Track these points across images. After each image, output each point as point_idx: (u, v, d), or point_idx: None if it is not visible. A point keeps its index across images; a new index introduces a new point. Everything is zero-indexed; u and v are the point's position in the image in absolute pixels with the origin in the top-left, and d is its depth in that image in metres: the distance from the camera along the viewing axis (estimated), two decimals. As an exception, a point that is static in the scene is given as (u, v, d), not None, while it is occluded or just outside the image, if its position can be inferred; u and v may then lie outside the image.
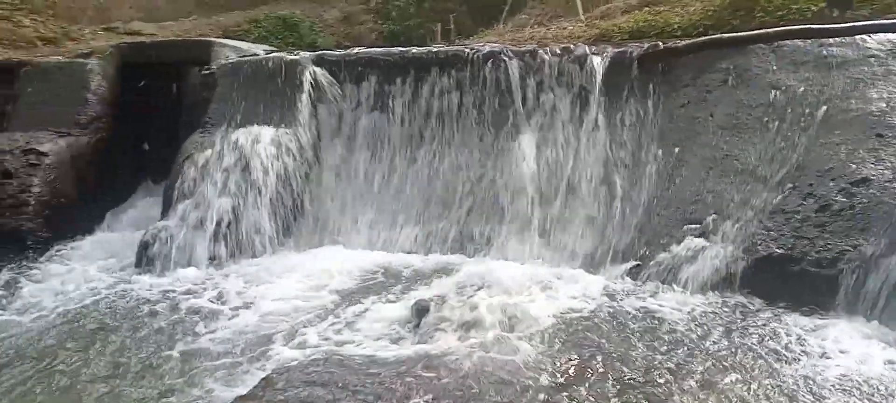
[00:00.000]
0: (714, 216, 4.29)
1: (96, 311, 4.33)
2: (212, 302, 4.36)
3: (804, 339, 3.26)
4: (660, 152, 4.87)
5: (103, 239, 5.81)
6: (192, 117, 6.14)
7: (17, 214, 5.59)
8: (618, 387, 2.84)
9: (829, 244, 3.73)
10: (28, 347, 3.84)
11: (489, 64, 5.56)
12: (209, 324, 4.04)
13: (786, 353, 3.13)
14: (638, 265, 4.36)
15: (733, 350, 3.19)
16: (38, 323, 4.15)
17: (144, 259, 5.05)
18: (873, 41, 4.57)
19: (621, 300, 3.87)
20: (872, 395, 2.73)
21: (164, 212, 5.42)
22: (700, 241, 4.20)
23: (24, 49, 8.37)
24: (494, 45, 6.00)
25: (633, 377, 2.93)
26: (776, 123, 4.48)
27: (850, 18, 5.22)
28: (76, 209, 5.95)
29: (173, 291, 4.57)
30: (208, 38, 7.55)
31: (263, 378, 3.13)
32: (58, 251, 5.48)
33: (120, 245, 5.55)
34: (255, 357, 3.60)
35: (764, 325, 3.44)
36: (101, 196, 6.24)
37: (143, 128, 6.55)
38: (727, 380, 2.87)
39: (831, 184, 3.98)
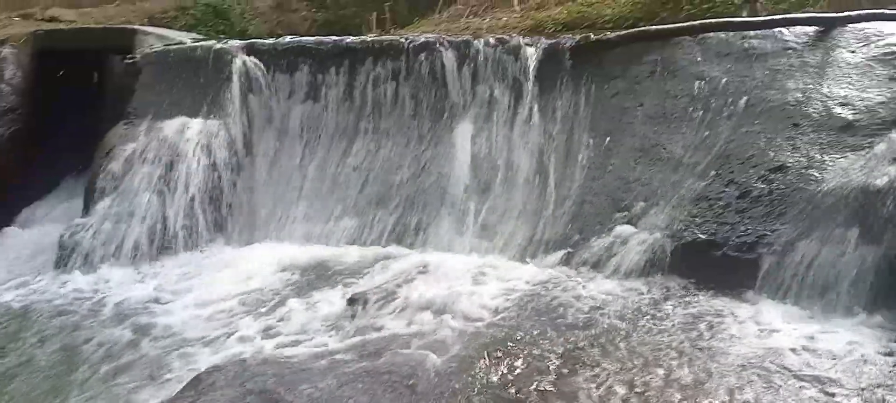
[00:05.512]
0: (642, 203, 4.42)
1: (8, 313, 4.14)
2: (136, 301, 4.23)
3: (722, 319, 3.40)
4: (591, 142, 4.97)
5: (19, 236, 5.57)
6: (115, 108, 5.91)
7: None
8: (547, 371, 2.90)
9: (749, 229, 3.89)
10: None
11: (424, 54, 5.54)
12: (134, 325, 3.91)
13: (705, 334, 3.26)
14: (570, 253, 4.43)
15: (657, 332, 3.30)
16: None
17: (64, 257, 4.85)
18: (790, 34, 4.77)
19: (553, 288, 3.94)
20: (782, 368, 2.86)
21: (86, 208, 5.22)
22: (629, 228, 4.31)
23: (-72, 36, 7.85)
24: (429, 35, 5.99)
25: (562, 360, 3.00)
26: (701, 113, 4.64)
27: (759, 11, 5.46)
28: (-11, 205, 5.68)
29: (95, 291, 4.42)
30: (130, 26, 7.27)
31: (192, 379, 3.05)
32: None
33: (37, 242, 5.32)
34: (182, 359, 3.50)
35: (686, 307, 3.57)
36: (18, 191, 5.98)
37: (63, 119, 6.26)
38: (651, 361, 2.97)
39: (751, 171, 4.15)
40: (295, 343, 3.55)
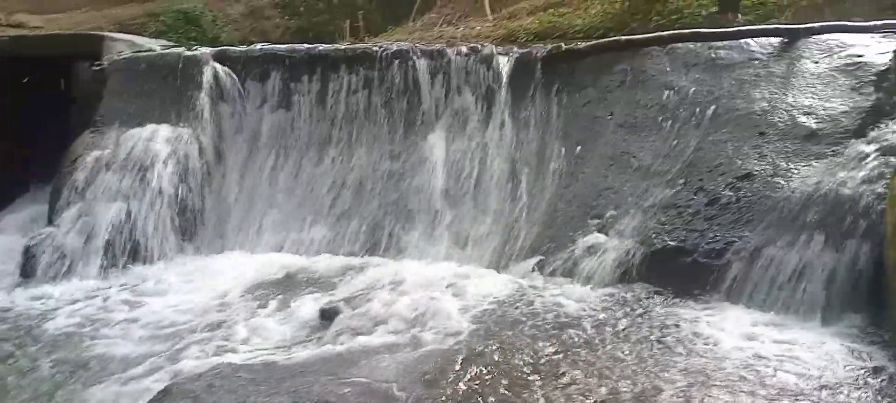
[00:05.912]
0: (613, 211, 4.46)
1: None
2: (103, 313, 4.13)
3: (692, 326, 3.42)
4: (563, 150, 5.01)
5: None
6: (82, 116, 5.80)
7: None
8: (521, 378, 2.90)
9: (717, 236, 3.94)
10: None
11: (397, 63, 5.55)
12: (101, 337, 3.82)
13: (674, 339, 3.29)
14: (543, 261, 4.45)
15: (628, 339, 3.32)
16: None
17: (29, 268, 4.73)
18: (756, 45, 4.86)
19: (526, 296, 3.94)
20: (748, 375, 2.90)
21: (52, 218, 5.09)
22: (600, 236, 4.35)
23: None
24: (403, 43, 6.02)
25: (535, 368, 3.00)
26: (669, 122, 4.70)
27: (731, 21, 5.56)
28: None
29: (61, 302, 4.30)
30: (98, 32, 7.15)
31: (160, 391, 2.99)
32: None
33: (2, 252, 5.16)
34: (151, 371, 3.41)
35: (656, 315, 3.59)
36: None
37: (33, 125, 6.15)
38: (619, 371, 2.98)
39: (719, 179, 4.21)
40: (263, 357, 3.47)
